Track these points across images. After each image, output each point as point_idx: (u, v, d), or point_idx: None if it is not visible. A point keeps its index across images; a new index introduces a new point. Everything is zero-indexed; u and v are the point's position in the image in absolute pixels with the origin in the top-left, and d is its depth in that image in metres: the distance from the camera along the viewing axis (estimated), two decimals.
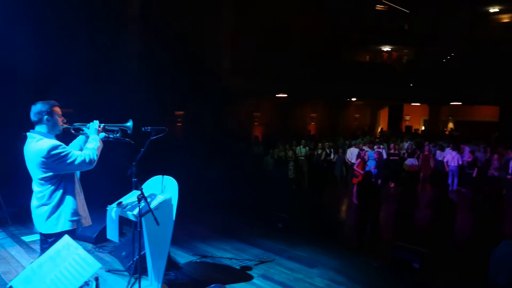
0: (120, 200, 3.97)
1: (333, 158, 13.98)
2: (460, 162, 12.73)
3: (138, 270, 3.85)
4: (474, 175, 12.31)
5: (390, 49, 27.73)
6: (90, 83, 11.69)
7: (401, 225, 7.23)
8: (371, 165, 11.44)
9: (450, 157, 12.93)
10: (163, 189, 4.14)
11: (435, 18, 24.81)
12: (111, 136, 3.65)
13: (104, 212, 4.05)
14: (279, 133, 18.70)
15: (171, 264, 4.68)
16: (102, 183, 6.01)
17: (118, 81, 12.71)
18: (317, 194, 11.89)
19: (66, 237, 2.85)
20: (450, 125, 26.42)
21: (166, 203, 3.96)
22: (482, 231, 5.64)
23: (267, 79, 17.57)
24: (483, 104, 23.12)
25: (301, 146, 13.56)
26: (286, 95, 19.00)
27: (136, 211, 3.66)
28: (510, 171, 11.81)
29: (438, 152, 14.09)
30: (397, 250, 5.36)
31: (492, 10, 25.22)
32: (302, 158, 13.26)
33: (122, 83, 13.45)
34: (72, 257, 2.71)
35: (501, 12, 25.37)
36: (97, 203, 4.71)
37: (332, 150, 14.39)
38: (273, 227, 6.74)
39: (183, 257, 5.23)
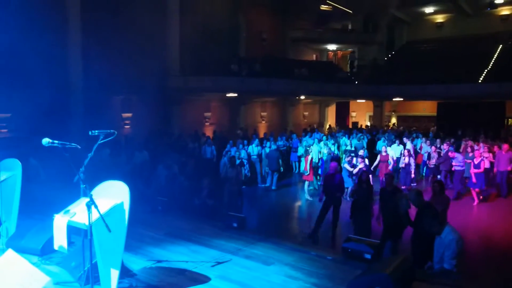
0: (67, 208, 3.78)
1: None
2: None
3: (90, 279, 3.69)
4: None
5: (335, 48, 28.62)
6: (30, 87, 11.13)
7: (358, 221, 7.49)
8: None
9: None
10: (113, 195, 3.99)
11: (376, 18, 25.95)
12: (56, 141, 3.47)
13: (49, 221, 3.84)
14: (230, 132, 18.73)
15: (124, 271, 4.52)
16: (47, 191, 5.71)
17: (61, 85, 12.21)
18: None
19: (9, 252, 2.68)
20: (393, 119, 27.74)
21: (117, 208, 3.82)
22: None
23: (216, 78, 17.57)
24: (422, 99, 24.46)
25: (254, 145, 13.62)
26: (235, 95, 19.05)
27: (85, 219, 3.50)
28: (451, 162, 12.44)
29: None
30: (348, 242, 5.53)
31: (426, 10, 26.76)
32: (255, 157, 13.33)
33: (65, 86, 12.94)
34: (16, 273, 2.55)
35: (435, 12, 27.01)
36: (42, 211, 4.47)
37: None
38: (228, 227, 6.72)
39: (137, 263, 5.08)
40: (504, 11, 25.13)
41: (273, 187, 12.85)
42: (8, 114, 11.99)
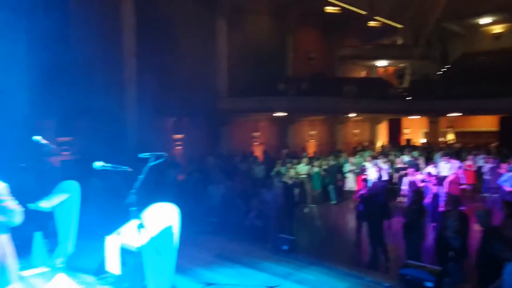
0: (119, 230, 3.84)
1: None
2: None
3: None
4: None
5: (386, 64, 27.96)
6: (88, 112, 11.80)
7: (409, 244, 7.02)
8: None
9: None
10: (163, 217, 4.01)
11: (427, 32, 25.14)
12: (108, 165, 3.55)
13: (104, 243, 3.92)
14: (279, 152, 18.63)
15: None
16: (100, 213, 5.88)
17: (115, 110, 12.88)
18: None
19: (61, 275, 2.72)
20: (450, 136, 26.37)
21: (167, 231, 3.83)
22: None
23: (264, 99, 17.70)
24: (482, 114, 23.08)
25: (303, 164, 13.38)
26: (285, 114, 19.03)
27: (136, 241, 3.53)
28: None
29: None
30: (406, 268, 5.17)
31: (482, 22, 25.54)
32: (305, 176, 13.07)
33: (120, 111, 13.61)
34: None
35: (492, 23, 25.71)
36: (97, 232, 4.58)
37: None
38: (278, 249, 6.56)
39: (187, 286, 5.06)
40: None
41: (334, 201, 13.47)
42: (70, 138, 12.74)
